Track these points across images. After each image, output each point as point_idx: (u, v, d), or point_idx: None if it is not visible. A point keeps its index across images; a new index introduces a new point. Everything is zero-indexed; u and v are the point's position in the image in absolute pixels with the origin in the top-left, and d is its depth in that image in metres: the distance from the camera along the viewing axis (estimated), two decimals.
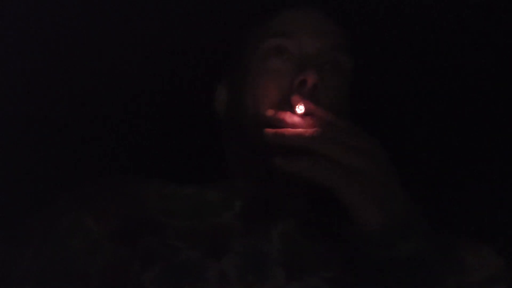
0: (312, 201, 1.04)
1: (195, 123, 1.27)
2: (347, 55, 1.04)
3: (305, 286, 0.92)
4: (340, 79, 1.03)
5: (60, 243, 0.94)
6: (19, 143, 1.23)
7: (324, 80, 0.99)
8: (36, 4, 1.21)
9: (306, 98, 0.95)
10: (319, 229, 1.00)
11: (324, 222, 1.02)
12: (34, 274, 0.92)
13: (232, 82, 1.09)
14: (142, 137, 1.29)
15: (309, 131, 0.88)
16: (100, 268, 0.92)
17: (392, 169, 0.88)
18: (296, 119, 0.93)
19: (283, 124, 0.94)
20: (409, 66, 1.31)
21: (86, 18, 1.24)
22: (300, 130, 0.89)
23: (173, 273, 0.90)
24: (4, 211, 1.05)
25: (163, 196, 1.01)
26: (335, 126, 0.89)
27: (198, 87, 1.20)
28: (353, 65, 1.05)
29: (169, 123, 1.30)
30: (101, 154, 1.26)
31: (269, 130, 0.92)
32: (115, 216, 0.96)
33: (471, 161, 1.30)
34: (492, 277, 0.96)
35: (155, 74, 1.28)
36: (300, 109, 0.94)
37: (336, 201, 0.87)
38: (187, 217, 0.98)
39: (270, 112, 0.97)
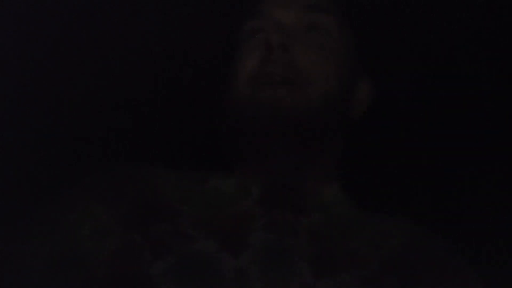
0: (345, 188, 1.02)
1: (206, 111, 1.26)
2: (325, 14, 1.02)
3: (336, 285, 0.87)
4: (321, 39, 1.00)
5: (67, 232, 0.91)
6: (24, 136, 1.21)
7: (300, 42, 0.98)
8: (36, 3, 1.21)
9: (277, 63, 0.95)
10: (353, 222, 0.97)
11: (358, 215, 0.99)
12: (41, 264, 0.89)
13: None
14: (152, 127, 1.28)
15: None
16: (109, 254, 0.89)
17: None
18: None
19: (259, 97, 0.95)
20: (411, 65, 1.31)
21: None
22: None
23: (185, 265, 0.86)
24: (11, 204, 1.04)
25: (177, 184, 0.97)
26: None
27: (211, 75, 1.19)
28: (337, 24, 1.02)
29: (179, 112, 1.29)
30: (111, 144, 1.25)
31: None
32: (126, 203, 0.93)
33: (472, 162, 1.30)
34: None
35: (165, 65, 1.28)
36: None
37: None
38: (202, 206, 0.94)
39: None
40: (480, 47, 1.31)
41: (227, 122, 1.01)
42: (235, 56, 1.03)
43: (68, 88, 1.25)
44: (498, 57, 1.30)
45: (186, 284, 0.85)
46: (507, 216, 1.24)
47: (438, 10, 1.29)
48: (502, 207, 1.25)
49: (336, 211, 0.97)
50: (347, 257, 0.90)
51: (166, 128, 1.29)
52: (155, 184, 0.96)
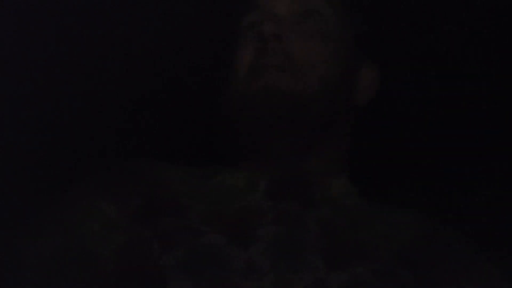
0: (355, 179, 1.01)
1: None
2: (319, 0, 1.01)
3: (349, 278, 0.85)
4: (316, 25, 1.00)
5: (75, 227, 0.90)
6: (30, 132, 1.21)
7: (294, 30, 0.98)
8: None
9: (271, 53, 0.95)
10: (363, 214, 0.96)
11: (368, 207, 0.98)
12: (49, 259, 0.88)
13: None
14: (157, 124, 1.28)
15: None
16: (117, 248, 0.88)
17: None
18: None
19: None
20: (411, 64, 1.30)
21: None
22: None
23: (195, 259, 0.85)
24: (19, 201, 1.03)
25: (184, 180, 0.96)
26: None
27: (212, 71, 1.19)
28: (334, 9, 1.02)
29: (183, 109, 1.29)
30: (118, 141, 1.24)
31: None
32: (134, 198, 0.92)
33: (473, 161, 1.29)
34: None
35: (167, 61, 1.28)
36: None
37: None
38: (211, 201, 0.93)
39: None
40: (481, 46, 1.30)
41: (228, 116, 1.01)
42: (234, 51, 1.02)
43: (75, 84, 1.24)
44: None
45: (196, 276, 0.84)
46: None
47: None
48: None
49: (345, 203, 0.96)
50: (359, 249, 0.89)
51: (172, 126, 1.28)
52: (162, 179, 0.95)
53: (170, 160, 1.02)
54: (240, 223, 0.89)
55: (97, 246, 0.88)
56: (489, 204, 1.21)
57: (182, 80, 1.27)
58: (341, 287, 0.85)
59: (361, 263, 0.87)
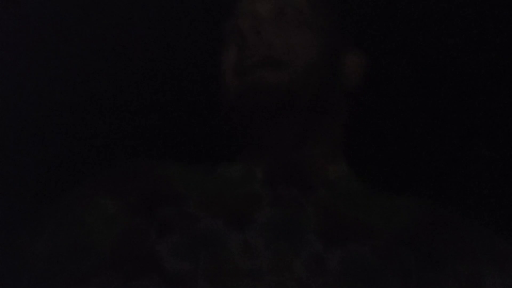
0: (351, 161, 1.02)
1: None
2: None
3: (348, 255, 0.86)
4: (292, 17, 1.02)
5: (73, 225, 0.91)
6: (34, 131, 1.21)
7: (272, 24, 1.00)
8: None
9: (251, 47, 0.97)
10: (361, 198, 0.96)
11: (366, 192, 0.98)
12: (48, 255, 0.89)
13: None
14: (156, 123, 1.29)
15: None
16: (114, 237, 0.88)
17: None
18: None
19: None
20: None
21: None
22: None
23: (191, 242, 0.85)
24: (17, 200, 1.03)
25: (184, 175, 0.97)
26: None
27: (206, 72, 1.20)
28: (309, 3, 1.04)
29: (182, 108, 1.30)
30: (116, 138, 1.25)
31: None
32: (133, 192, 0.93)
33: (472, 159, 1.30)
34: None
35: (163, 61, 1.29)
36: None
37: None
38: (209, 190, 0.94)
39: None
40: (481, 46, 1.32)
41: (222, 114, 1.03)
42: (220, 51, 1.05)
43: (77, 82, 1.25)
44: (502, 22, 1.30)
45: (192, 259, 0.84)
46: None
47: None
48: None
49: (343, 186, 0.97)
50: (358, 228, 0.90)
51: (171, 124, 1.29)
52: (161, 177, 0.96)
53: (169, 157, 1.03)
54: (237, 207, 0.90)
55: (95, 241, 0.89)
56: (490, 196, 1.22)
57: (178, 79, 1.29)
58: (339, 263, 0.85)
59: (360, 240, 0.88)
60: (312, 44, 1.01)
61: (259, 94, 0.96)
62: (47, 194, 1.02)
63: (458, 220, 0.98)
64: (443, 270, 0.89)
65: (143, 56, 1.28)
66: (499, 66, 1.26)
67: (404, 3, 1.26)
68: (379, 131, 1.24)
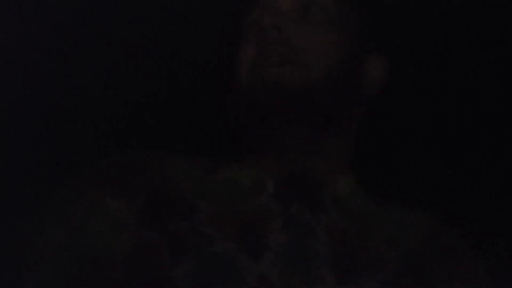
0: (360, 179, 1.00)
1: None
2: None
3: None
4: (317, 15, 0.99)
5: (77, 225, 0.87)
6: (31, 125, 1.19)
7: (294, 21, 0.97)
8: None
9: (271, 44, 0.95)
10: (370, 217, 0.95)
11: (375, 209, 0.97)
12: (49, 259, 0.85)
13: None
14: (162, 111, 1.27)
15: None
16: (125, 252, 0.85)
17: None
18: None
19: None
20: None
21: None
22: None
23: (206, 271, 0.83)
24: (16, 196, 1.01)
25: (189, 174, 0.94)
26: None
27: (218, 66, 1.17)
28: (336, 3, 1.01)
29: (189, 100, 1.27)
30: (121, 128, 1.23)
31: None
32: (139, 193, 0.90)
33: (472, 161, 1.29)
34: None
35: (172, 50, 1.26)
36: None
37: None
38: (217, 201, 0.91)
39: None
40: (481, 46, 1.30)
41: (235, 111, 1.00)
42: (237, 47, 1.02)
43: (76, 74, 1.23)
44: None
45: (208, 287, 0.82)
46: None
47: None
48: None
49: (352, 205, 0.95)
50: (367, 258, 0.89)
51: (176, 116, 1.27)
52: (168, 173, 0.93)
53: (174, 149, 1.00)
54: (250, 228, 0.88)
55: (104, 247, 0.86)
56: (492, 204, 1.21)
57: (187, 74, 1.26)
58: None
59: (370, 274, 0.87)
60: (335, 45, 0.98)
61: (274, 95, 0.93)
62: (47, 189, 0.99)
63: (460, 242, 0.98)
64: None
65: (151, 50, 1.26)
66: None
67: (427, 7, 1.23)
68: (385, 143, 1.22)
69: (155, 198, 0.89)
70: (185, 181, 0.93)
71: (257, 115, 0.95)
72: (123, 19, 1.23)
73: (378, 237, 0.92)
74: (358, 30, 1.02)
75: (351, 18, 1.02)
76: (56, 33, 1.21)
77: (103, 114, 1.23)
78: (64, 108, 1.22)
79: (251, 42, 0.99)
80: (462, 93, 1.27)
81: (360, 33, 1.02)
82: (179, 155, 0.98)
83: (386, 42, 1.07)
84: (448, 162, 1.25)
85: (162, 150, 0.99)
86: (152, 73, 1.26)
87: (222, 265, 0.83)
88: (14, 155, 1.16)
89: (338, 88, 0.96)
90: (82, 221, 0.88)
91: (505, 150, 1.25)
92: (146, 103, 1.25)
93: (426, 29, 1.25)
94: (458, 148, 1.26)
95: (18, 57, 1.18)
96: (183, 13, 1.25)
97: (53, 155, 1.19)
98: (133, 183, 0.91)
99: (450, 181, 1.24)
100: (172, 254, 0.84)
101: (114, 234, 0.87)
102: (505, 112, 1.25)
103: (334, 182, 0.96)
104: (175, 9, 1.25)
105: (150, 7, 1.25)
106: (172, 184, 0.92)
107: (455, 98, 1.26)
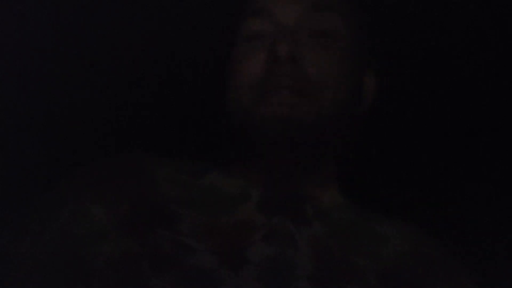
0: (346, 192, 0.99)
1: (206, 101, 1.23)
2: (330, 13, 0.96)
3: None
4: (328, 42, 0.95)
5: (60, 232, 0.86)
6: (14, 129, 1.20)
7: (307, 49, 0.93)
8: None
9: (285, 76, 0.91)
10: (352, 230, 0.94)
11: (358, 220, 0.96)
12: (31, 267, 0.85)
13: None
14: (150, 114, 1.27)
15: None
16: (105, 261, 0.84)
17: None
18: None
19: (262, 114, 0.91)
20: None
21: None
22: None
23: (185, 282, 0.82)
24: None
25: (176, 182, 0.93)
26: None
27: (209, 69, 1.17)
28: (343, 21, 0.97)
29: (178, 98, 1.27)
30: (107, 131, 1.23)
31: None
32: (123, 200, 0.88)
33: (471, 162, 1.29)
34: None
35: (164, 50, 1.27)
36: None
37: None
38: (201, 210, 0.90)
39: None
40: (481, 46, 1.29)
41: (229, 124, 0.98)
42: (234, 54, 0.98)
43: (61, 76, 1.23)
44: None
45: None
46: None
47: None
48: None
49: (336, 217, 0.94)
50: (347, 271, 0.88)
51: (163, 117, 1.27)
52: (153, 178, 0.92)
53: (157, 150, 0.99)
54: (232, 240, 0.87)
55: (87, 254, 0.85)
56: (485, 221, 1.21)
57: (178, 75, 1.26)
58: None
59: (348, 286, 0.86)
60: (344, 72, 0.95)
61: (280, 120, 0.91)
62: (30, 192, 1.00)
63: (441, 253, 0.97)
64: None
65: (143, 50, 1.26)
66: None
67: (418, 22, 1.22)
68: (369, 153, 1.22)
69: (137, 205, 0.88)
70: (170, 187, 0.92)
71: (255, 136, 0.93)
72: (115, 18, 1.24)
73: (359, 249, 0.91)
74: (361, 51, 1.00)
75: (357, 39, 0.99)
76: (47, 32, 1.21)
77: (90, 117, 1.23)
78: (52, 107, 1.22)
79: (257, 62, 0.94)
80: (442, 108, 1.26)
81: (362, 54, 1.00)
82: (165, 158, 0.97)
83: (378, 58, 1.07)
84: (432, 173, 1.25)
85: (150, 152, 0.97)
86: (141, 76, 1.26)
87: (201, 277, 0.83)
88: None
89: (342, 115, 0.95)
90: (64, 227, 0.87)
91: (484, 161, 1.24)
92: (135, 104, 1.25)
93: (414, 40, 1.25)
94: (441, 160, 1.26)
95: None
96: (176, 17, 1.26)
97: (36, 160, 1.19)
98: (117, 189, 0.90)
99: (434, 192, 1.23)
100: (151, 265, 0.83)
101: (95, 242, 0.86)
102: (486, 126, 1.25)
103: (319, 194, 0.96)
104: (168, 8, 1.25)
105: (146, 6, 1.25)
106: (156, 190, 0.91)
107: (436, 112, 1.27)
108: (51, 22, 1.21)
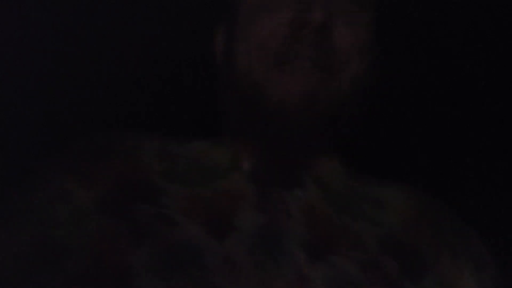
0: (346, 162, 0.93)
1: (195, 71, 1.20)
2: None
3: (331, 270, 0.80)
4: (360, 12, 0.88)
5: (40, 215, 0.83)
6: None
7: (340, 16, 0.86)
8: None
9: (311, 45, 0.83)
10: (351, 197, 0.89)
11: (357, 187, 0.90)
12: (11, 251, 0.81)
13: (228, 27, 0.93)
14: (137, 88, 1.25)
15: None
16: (86, 240, 0.80)
17: None
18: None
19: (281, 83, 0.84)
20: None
21: None
22: None
23: (169, 255, 0.78)
24: None
25: (162, 155, 0.88)
26: None
27: (198, 31, 1.13)
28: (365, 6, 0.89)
29: (166, 72, 1.25)
30: (91, 108, 1.21)
31: None
32: (104, 179, 0.84)
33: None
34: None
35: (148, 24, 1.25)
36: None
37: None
38: (188, 181, 0.85)
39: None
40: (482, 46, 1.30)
41: (229, 91, 0.92)
42: (243, 12, 0.90)
43: (61, 76, 1.23)
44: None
45: (168, 275, 0.77)
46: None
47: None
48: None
49: (332, 184, 0.89)
50: (343, 237, 0.83)
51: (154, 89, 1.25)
52: (139, 155, 0.88)
53: (146, 125, 0.97)
54: (219, 209, 0.83)
55: (66, 235, 0.81)
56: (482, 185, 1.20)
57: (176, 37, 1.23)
58: (324, 280, 0.79)
59: (344, 252, 0.82)
60: (366, 49, 0.89)
61: (297, 96, 0.84)
62: (12, 178, 0.96)
63: (441, 214, 0.93)
64: (426, 274, 0.85)
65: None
66: None
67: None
68: (370, 123, 1.21)
69: (120, 183, 0.84)
70: (155, 162, 0.87)
71: (260, 110, 0.87)
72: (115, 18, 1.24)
73: (359, 214, 0.86)
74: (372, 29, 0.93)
75: (371, 17, 0.92)
76: (47, 32, 1.22)
77: (89, 117, 1.23)
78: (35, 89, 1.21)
79: (273, 21, 0.85)
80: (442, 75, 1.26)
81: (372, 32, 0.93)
82: (151, 133, 0.92)
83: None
84: (434, 137, 1.24)
85: (134, 129, 0.94)
86: (127, 52, 1.24)
87: (184, 250, 0.79)
88: None
89: (357, 93, 0.90)
90: (48, 209, 0.83)
91: (489, 128, 1.23)
92: (135, 104, 1.24)
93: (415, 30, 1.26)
94: (442, 124, 1.25)
95: None
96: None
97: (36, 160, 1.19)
98: (99, 169, 0.86)
99: (437, 155, 1.22)
100: (134, 240, 0.79)
101: (76, 222, 0.82)
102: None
103: (316, 164, 0.90)
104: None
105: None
106: (140, 167, 0.86)
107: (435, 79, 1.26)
108: (51, 22, 1.21)
